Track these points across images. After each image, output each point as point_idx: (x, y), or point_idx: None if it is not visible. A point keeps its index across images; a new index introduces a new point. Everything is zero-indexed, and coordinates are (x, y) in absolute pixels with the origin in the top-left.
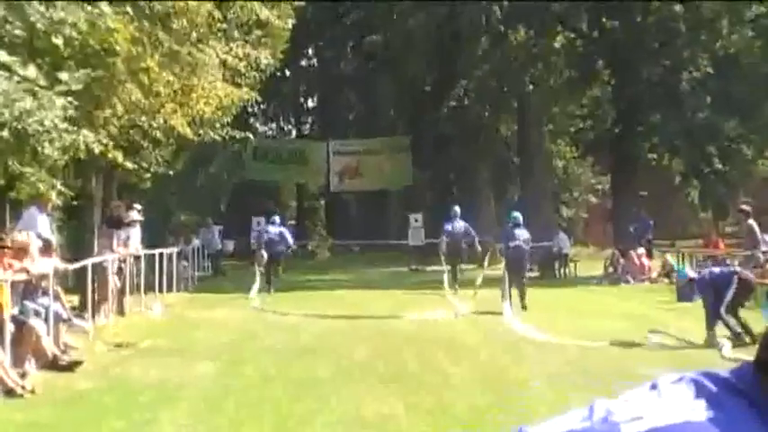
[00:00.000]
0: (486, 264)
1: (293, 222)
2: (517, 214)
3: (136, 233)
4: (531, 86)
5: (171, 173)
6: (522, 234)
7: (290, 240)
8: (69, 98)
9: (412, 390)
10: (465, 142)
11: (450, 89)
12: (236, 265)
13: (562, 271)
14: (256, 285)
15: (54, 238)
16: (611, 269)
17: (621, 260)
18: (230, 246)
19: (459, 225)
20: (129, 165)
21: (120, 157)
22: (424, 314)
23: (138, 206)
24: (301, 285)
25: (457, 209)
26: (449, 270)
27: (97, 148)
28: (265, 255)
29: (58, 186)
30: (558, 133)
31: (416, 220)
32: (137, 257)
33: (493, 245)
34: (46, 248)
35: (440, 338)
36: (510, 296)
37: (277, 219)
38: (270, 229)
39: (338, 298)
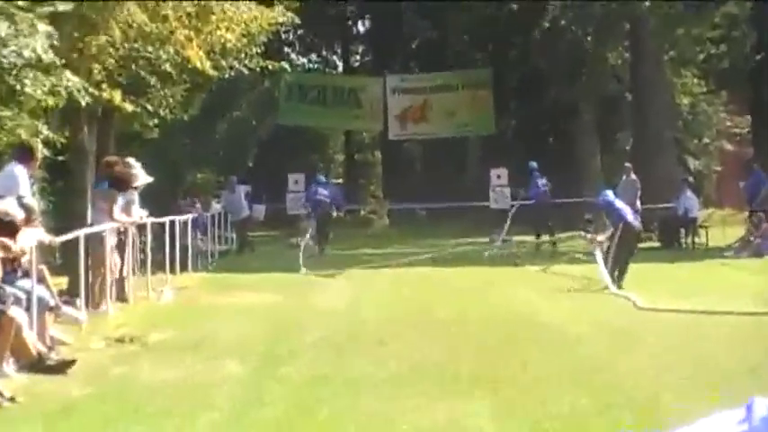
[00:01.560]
0: (596, 237)
1: (340, 181)
2: (609, 192)
3: (136, 197)
4: (647, 2)
5: (184, 118)
6: (628, 210)
7: (341, 202)
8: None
9: (499, 395)
10: (562, 76)
11: (543, 8)
12: (266, 237)
13: (689, 240)
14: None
15: (35, 204)
16: (752, 237)
17: (765, 224)
18: (261, 212)
19: (541, 183)
20: (129, 107)
21: (117, 97)
22: (510, 297)
23: (132, 161)
24: (354, 261)
25: (533, 164)
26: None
27: (83, 99)
28: (314, 222)
29: (45, 132)
30: (683, 62)
31: (500, 177)
32: (140, 227)
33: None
34: (27, 217)
35: (532, 326)
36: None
37: (323, 178)
38: (320, 190)
39: (401, 277)
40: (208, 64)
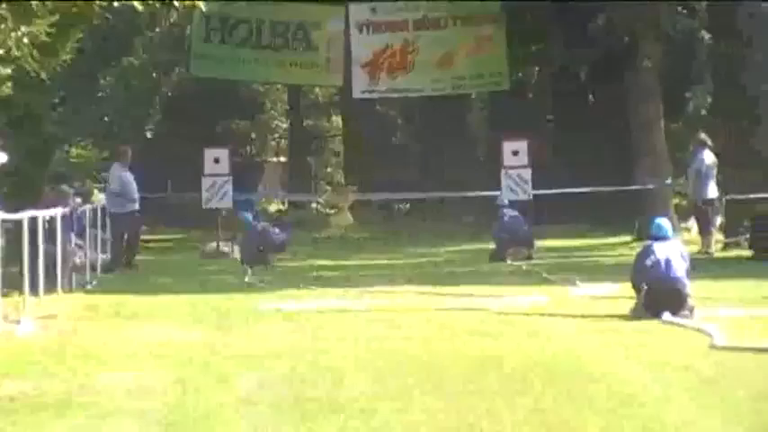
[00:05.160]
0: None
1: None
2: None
3: None
4: None
5: (52, 69)
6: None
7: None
8: None
9: None
10: (606, 5)
11: None
12: (173, 242)
13: None
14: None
15: None
16: None
17: None
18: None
19: (509, 215)
20: None
21: None
22: (536, 330)
23: None
24: (301, 278)
25: (505, 201)
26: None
27: None
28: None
29: None
30: None
31: (516, 154)
32: None
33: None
34: None
35: (571, 374)
36: None
37: None
38: None
39: (374, 303)
40: None
